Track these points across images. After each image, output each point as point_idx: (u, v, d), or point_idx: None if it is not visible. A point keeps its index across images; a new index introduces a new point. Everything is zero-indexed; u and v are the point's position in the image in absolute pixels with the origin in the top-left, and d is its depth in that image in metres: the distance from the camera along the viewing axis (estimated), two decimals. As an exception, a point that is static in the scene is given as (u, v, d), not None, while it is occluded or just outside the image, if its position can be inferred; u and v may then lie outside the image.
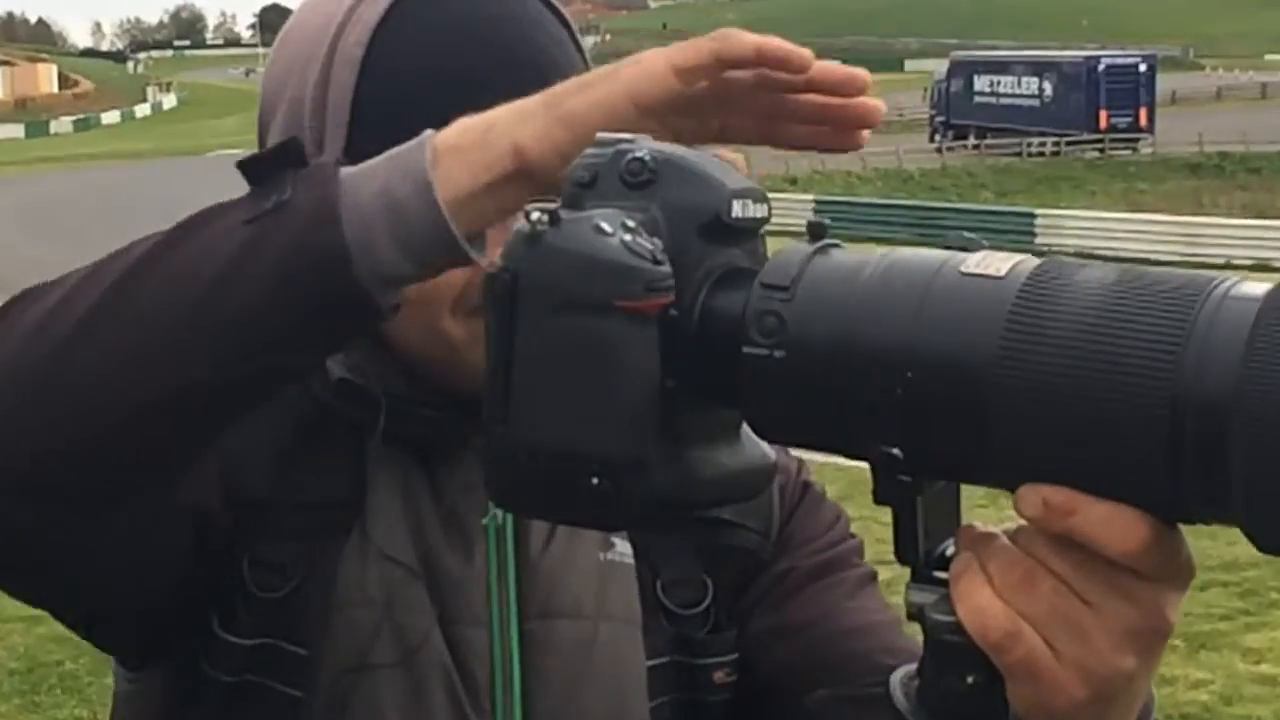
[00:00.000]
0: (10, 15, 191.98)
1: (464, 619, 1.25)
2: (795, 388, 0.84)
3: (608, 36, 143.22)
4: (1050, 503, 0.78)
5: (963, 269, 0.81)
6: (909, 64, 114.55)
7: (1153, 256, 24.91)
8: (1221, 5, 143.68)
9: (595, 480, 0.85)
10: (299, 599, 1.24)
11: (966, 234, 0.87)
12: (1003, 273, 0.80)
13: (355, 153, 1.19)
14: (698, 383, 0.87)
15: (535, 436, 0.86)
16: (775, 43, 0.97)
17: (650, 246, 0.85)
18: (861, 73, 1.00)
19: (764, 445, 0.94)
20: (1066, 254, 0.84)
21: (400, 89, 1.21)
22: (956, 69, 55.42)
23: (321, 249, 0.97)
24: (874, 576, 1.36)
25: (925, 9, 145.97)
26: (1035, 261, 0.80)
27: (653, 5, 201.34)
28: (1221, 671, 6.87)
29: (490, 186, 0.99)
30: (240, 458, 1.25)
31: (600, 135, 0.93)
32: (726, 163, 0.93)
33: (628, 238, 0.85)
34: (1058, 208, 32.91)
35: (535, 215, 0.85)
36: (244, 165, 1.02)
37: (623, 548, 1.29)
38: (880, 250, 0.86)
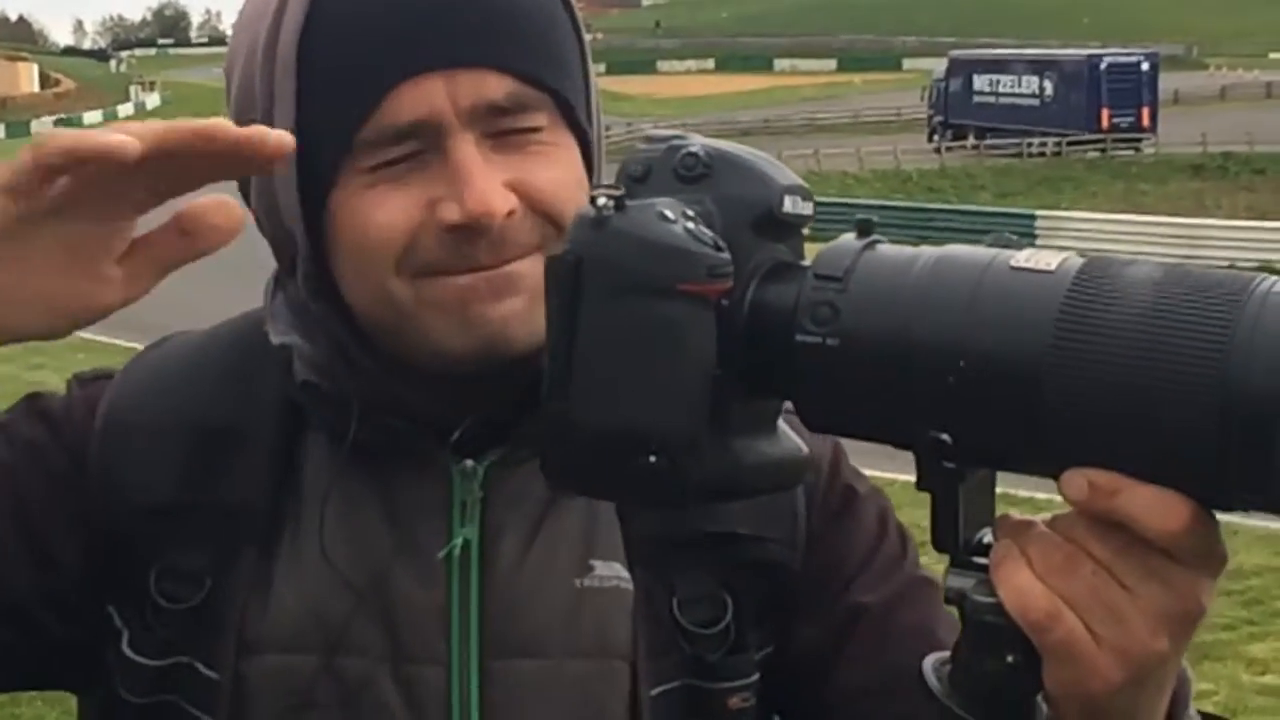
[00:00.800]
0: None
1: (419, 657, 1.21)
2: (847, 375, 0.87)
3: (600, 35, 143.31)
4: (1095, 484, 0.81)
5: (1012, 264, 0.85)
6: (907, 63, 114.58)
7: (1154, 259, 24.95)
8: (1225, 2, 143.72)
9: (652, 458, 0.88)
10: (210, 611, 1.21)
11: (1009, 235, 0.90)
12: (1052, 267, 0.83)
13: (304, 103, 1.17)
14: (744, 373, 0.91)
15: (595, 415, 0.89)
16: (89, 140, 0.92)
17: (711, 234, 0.90)
18: (210, 124, 0.95)
19: (798, 439, 0.98)
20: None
21: (344, 36, 1.16)
22: (955, 68, 55.58)
23: None
24: (935, 583, 1.30)
25: (923, 7, 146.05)
26: (1082, 258, 0.84)
27: (645, 3, 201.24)
28: (1225, 682, 6.87)
29: None
30: (137, 466, 1.24)
31: (650, 132, 0.97)
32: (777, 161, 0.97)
33: (690, 225, 0.89)
34: (1058, 209, 32.97)
35: (601, 200, 0.89)
36: None
37: (604, 570, 1.24)
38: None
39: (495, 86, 1.15)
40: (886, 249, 0.90)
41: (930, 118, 55.84)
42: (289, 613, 1.21)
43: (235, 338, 1.31)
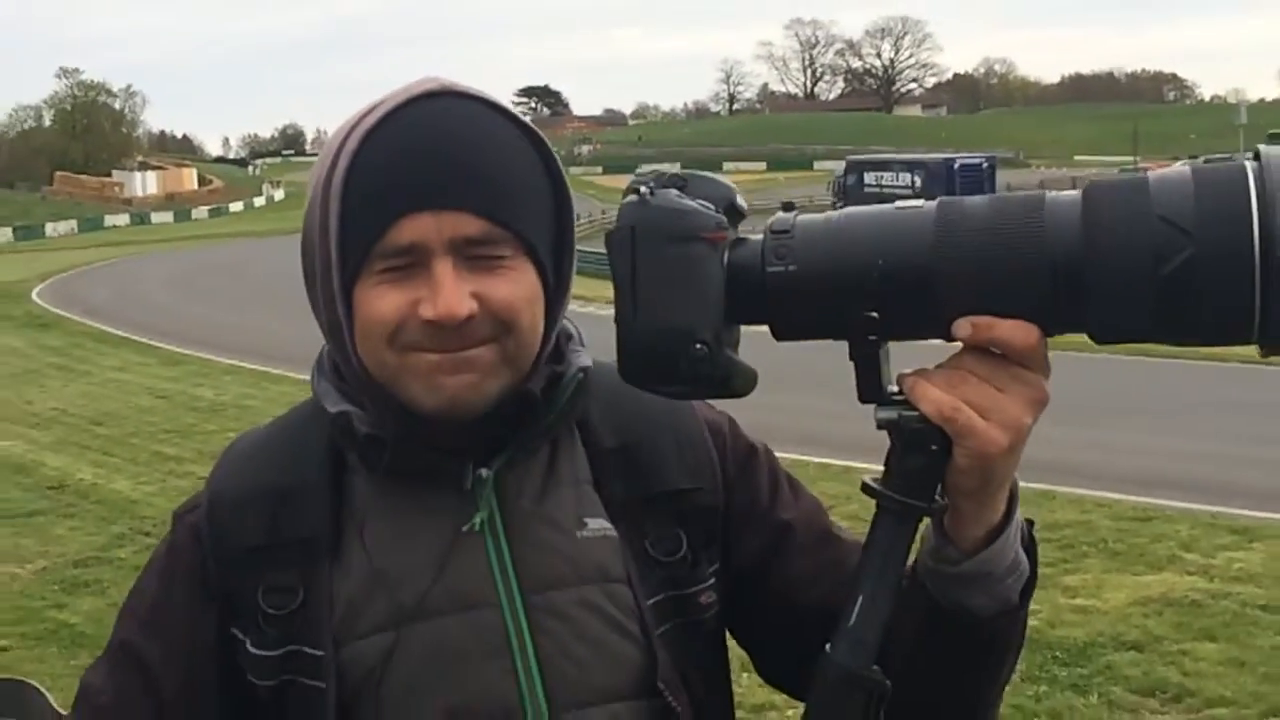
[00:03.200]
0: (162, 132, 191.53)
1: (477, 603, 1.23)
2: (804, 289, 0.99)
3: (598, 145, 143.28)
4: (976, 323, 0.96)
5: (896, 206, 1.00)
6: (817, 164, 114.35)
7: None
8: (1041, 120, 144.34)
9: (699, 346, 1.01)
10: (306, 610, 1.24)
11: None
12: (922, 204, 0.98)
13: (344, 222, 1.19)
14: (728, 306, 1.02)
15: (657, 321, 1.01)
16: None
17: (711, 206, 1.04)
18: None
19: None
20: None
21: (373, 180, 1.18)
22: (851, 167, 55.78)
23: None
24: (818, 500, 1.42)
25: (829, 125, 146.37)
26: (937, 200, 0.98)
27: (631, 123, 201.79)
28: (1047, 604, 6.88)
29: None
30: (234, 522, 1.27)
31: (639, 170, 1.05)
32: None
33: (697, 202, 1.04)
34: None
35: (643, 189, 1.04)
36: None
37: (595, 525, 1.27)
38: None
39: (472, 225, 1.17)
40: (809, 214, 1.03)
41: (834, 203, 55.46)
42: (371, 600, 1.24)
43: (291, 419, 1.35)
